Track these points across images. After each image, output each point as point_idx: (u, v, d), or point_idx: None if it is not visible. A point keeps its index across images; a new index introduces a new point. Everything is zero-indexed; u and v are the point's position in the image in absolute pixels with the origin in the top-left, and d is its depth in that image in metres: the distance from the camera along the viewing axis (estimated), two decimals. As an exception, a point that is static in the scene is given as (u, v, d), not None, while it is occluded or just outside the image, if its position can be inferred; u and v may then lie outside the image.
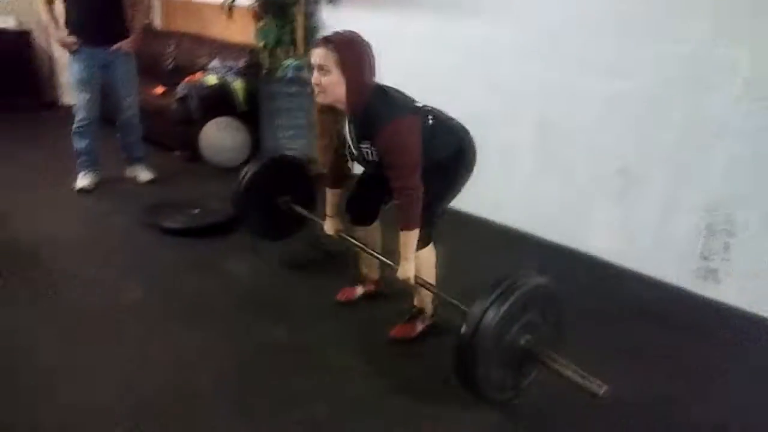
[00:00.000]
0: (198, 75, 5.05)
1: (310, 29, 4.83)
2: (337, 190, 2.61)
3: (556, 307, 2.07)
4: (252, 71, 5.03)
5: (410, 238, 2.22)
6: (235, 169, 4.68)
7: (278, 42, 4.78)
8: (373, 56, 2.19)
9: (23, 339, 2.45)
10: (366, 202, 2.60)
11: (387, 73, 4.20)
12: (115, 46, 3.95)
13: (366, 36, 2.16)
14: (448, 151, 2.33)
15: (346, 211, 2.64)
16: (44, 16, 3.86)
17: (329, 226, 2.67)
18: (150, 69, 6.08)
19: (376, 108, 2.14)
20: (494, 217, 3.93)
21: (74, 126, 4.07)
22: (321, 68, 2.11)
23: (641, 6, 3.00)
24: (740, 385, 2.41)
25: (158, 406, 2.10)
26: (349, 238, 2.64)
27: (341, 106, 2.19)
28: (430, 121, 2.27)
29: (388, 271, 2.50)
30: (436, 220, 2.38)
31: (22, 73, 6.39)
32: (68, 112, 4.20)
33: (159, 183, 4.40)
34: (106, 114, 4.24)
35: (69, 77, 4.02)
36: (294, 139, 4.60)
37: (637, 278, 3.24)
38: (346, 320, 2.71)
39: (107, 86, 4.07)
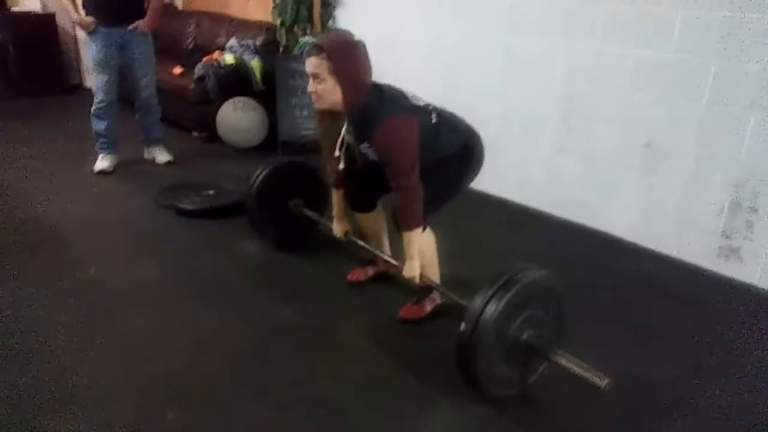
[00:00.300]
0: (216, 54, 5.05)
1: (327, 5, 4.79)
2: (343, 191, 2.59)
3: (558, 300, 2.02)
4: (269, 49, 5.02)
5: (413, 237, 2.21)
6: (253, 149, 4.75)
7: (295, 19, 4.75)
8: (367, 56, 2.17)
9: (37, 318, 2.49)
10: (363, 190, 2.56)
11: (411, 47, 4.18)
12: (132, 26, 3.96)
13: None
14: (453, 149, 2.32)
15: (345, 200, 2.62)
16: None
17: (337, 228, 2.66)
18: (170, 49, 6.13)
19: (372, 107, 2.13)
20: (515, 197, 3.86)
21: (93, 108, 4.10)
22: (315, 76, 2.11)
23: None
24: (762, 367, 2.34)
25: (172, 383, 2.12)
26: (357, 240, 2.64)
27: (340, 108, 2.19)
28: (434, 119, 2.25)
29: (392, 269, 2.48)
30: (433, 215, 2.36)
31: (47, 56, 6.50)
32: (91, 94, 4.24)
33: (177, 164, 4.44)
34: (124, 95, 4.28)
35: (88, 57, 4.03)
36: (310, 118, 4.57)
37: (658, 258, 3.16)
38: (356, 300, 2.70)
39: (125, 66, 4.09)
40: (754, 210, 2.82)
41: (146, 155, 4.49)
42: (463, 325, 1.86)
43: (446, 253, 2.58)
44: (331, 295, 2.74)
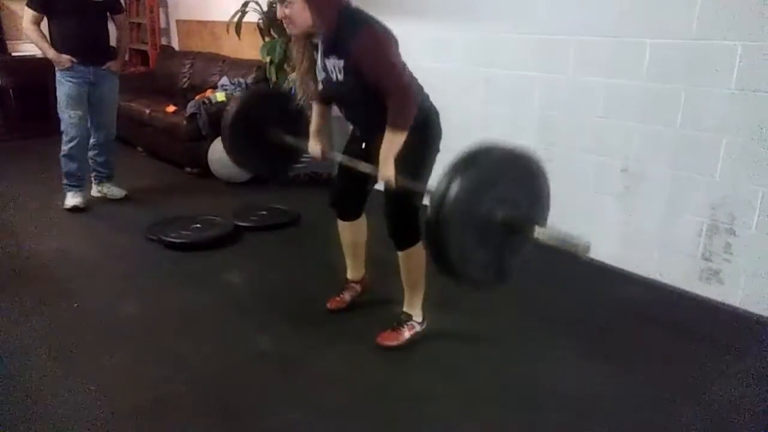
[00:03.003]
0: (208, 92, 5.16)
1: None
2: (324, 106, 2.55)
3: (535, 178, 1.90)
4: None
5: (396, 138, 2.15)
6: (244, 184, 4.81)
7: (284, 57, 4.85)
8: None
9: (19, 352, 2.52)
10: (350, 192, 2.58)
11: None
12: (105, 66, 4.06)
13: None
14: (416, 125, 2.22)
15: (331, 206, 2.63)
16: (33, 35, 3.91)
17: (313, 146, 2.57)
18: (166, 89, 6.26)
19: (346, 21, 2.11)
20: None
21: (65, 148, 4.09)
22: (282, 1, 2.10)
23: (637, 2, 2.97)
24: (743, 388, 2.32)
25: (147, 414, 2.14)
26: (336, 155, 2.53)
27: (313, 30, 2.16)
28: None
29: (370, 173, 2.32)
30: (419, 210, 2.32)
31: (45, 99, 6.60)
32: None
33: (168, 198, 4.50)
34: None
35: (58, 94, 4.03)
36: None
37: (641, 282, 3.16)
38: (334, 328, 2.71)
39: (90, 105, 4.12)
40: (731, 232, 2.84)
41: (95, 192, 4.46)
42: (429, 210, 1.76)
43: (434, 275, 2.59)
44: (309, 323, 2.76)
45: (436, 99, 2.37)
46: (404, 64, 2.16)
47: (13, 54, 6.55)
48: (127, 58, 7.18)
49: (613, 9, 3.06)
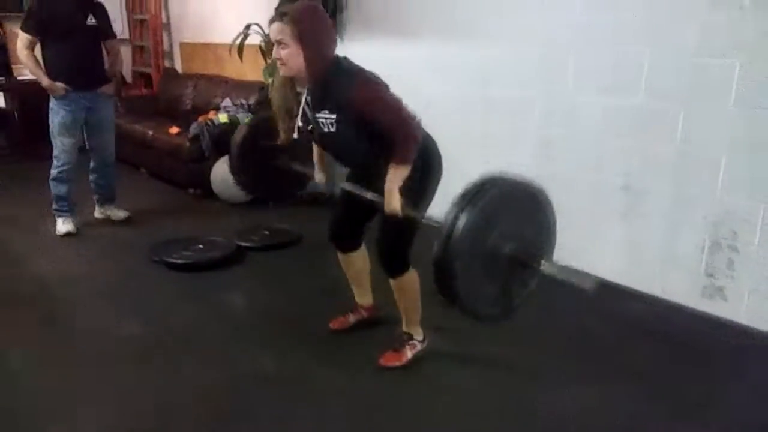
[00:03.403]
0: (210, 114, 5.20)
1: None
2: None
3: (540, 209, 1.90)
4: (262, 108, 5.15)
5: (400, 172, 2.16)
6: (246, 204, 4.82)
7: (286, 78, 4.90)
8: (331, 26, 2.22)
9: (21, 375, 2.52)
10: (348, 226, 2.60)
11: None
12: (100, 90, 4.08)
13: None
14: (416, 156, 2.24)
15: (329, 239, 2.64)
16: (28, 62, 3.92)
17: (319, 177, 2.68)
18: (169, 111, 6.33)
19: (336, 75, 2.14)
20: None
21: (55, 172, 4.08)
22: (279, 42, 2.12)
23: (634, 20, 3.01)
24: (748, 405, 2.31)
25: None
26: (345, 185, 2.56)
27: (303, 76, 2.19)
28: None
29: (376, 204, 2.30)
30: (412, 241, 2.37)
31: (48, 122, 6.68)
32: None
33: (171, 219, 4.52)
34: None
35: (51, 121, 4.02)
36: (302, 171, 4.66)
37: (644, 298, 3.15)
38: (337, 348, 2.70)
39: (88, 129, 4.16)
40: (734, 248, 2.84)
41: (98, 214, 4.47)
42: (435, 246, 1.76)
43: (433, 296, 2.59)
44: (312, 343, 2.75)
45: (434, 119, 2.40)
46: (400, 101, 2.19)
47: (19, 78, 6.61)
48: (130, 80, 7.32)
49: (611, 27, 3.10)
